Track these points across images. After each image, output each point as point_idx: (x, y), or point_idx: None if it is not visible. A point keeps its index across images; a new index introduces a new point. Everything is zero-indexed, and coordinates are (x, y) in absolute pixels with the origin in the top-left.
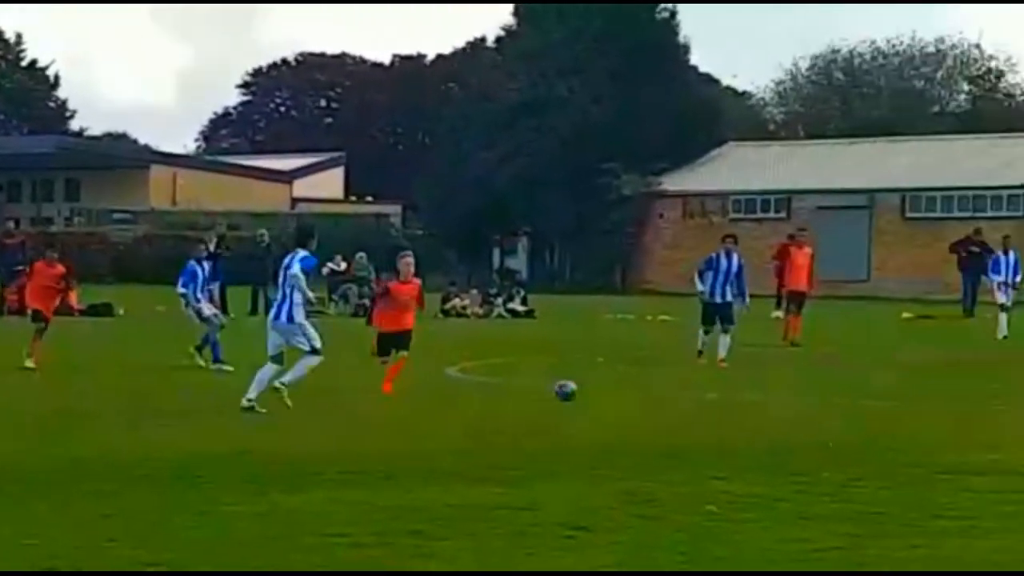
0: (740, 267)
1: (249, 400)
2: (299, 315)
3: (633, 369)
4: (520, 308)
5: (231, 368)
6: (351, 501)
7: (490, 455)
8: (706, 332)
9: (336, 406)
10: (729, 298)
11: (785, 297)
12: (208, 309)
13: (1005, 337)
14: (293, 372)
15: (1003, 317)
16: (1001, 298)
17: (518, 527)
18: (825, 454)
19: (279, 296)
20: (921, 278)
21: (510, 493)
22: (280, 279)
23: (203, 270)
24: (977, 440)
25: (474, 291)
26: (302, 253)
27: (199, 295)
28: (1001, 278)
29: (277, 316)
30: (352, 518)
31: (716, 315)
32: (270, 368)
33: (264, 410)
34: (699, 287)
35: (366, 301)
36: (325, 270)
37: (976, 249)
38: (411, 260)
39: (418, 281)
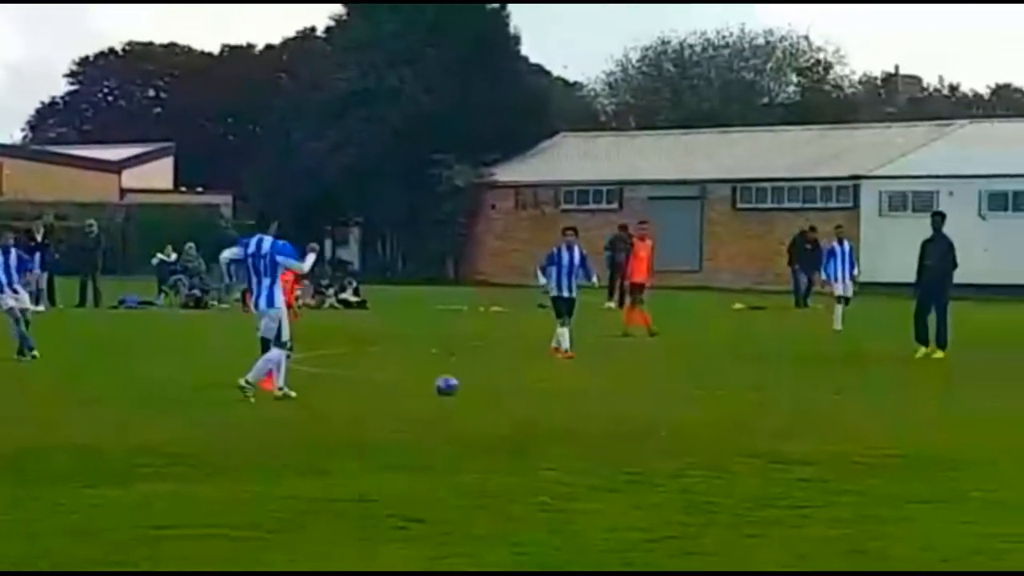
0: (583, 257)
1: (280, 389)
2: (279, 300)
3: (466, 360)
4: (352, 299)
5: (37, 354)
6: (181, 494)
7: (322, 447)
8: (563, 325)
9: (168, 399)
10: (574, 293)
11: (627, 289)
12: (10, 301)
13: (838, 330)
14: (254, 370)
15: (839, 309)
16: (839, 290)
17: (351, 519)
18: (658, 444)
19: (257, 282)
20: (752, 269)
21: (343, 485)
22: (255, 264)
23: (6, 259)
24: (809, 431)
25: (305, 282)
26: (269, 239)
27: (9, 286)
28: (825, 277)
29: (257, 302)
30: (183, 511)
31: (563, 308)
32: (277, 351)
33: (295, 393)
34: (542, 281)
35: (196, 292)
36: (154, 261)
37: (809, 247)
38: None
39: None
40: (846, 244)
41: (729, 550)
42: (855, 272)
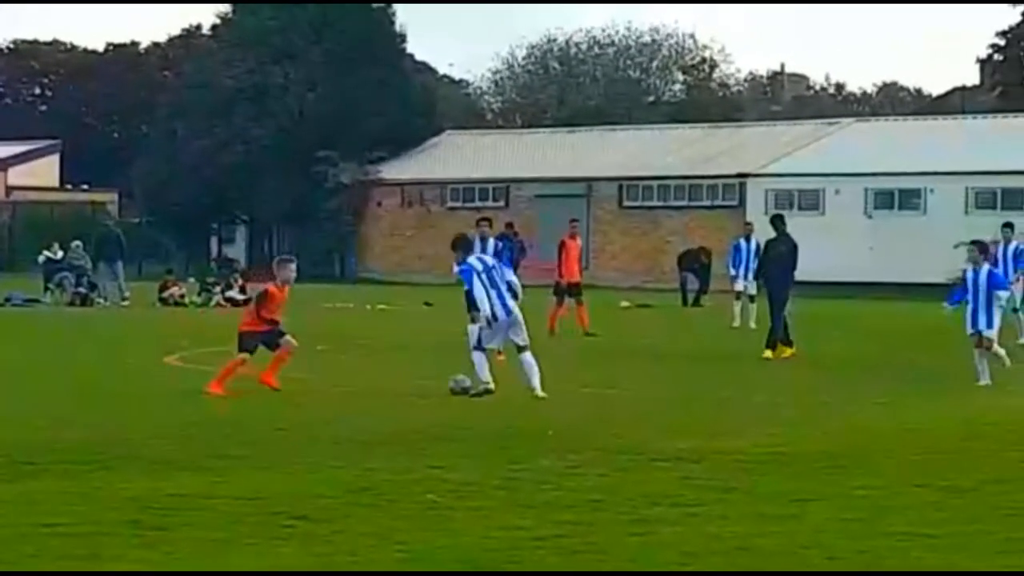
0: (497, 252)
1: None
2: (515, 307)
3: (353, 358)
4: (239, 297)
5: None
6: (67, 491)
7: (209, 444)
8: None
9: (52, 395)
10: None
11: (562, 290)
12: None
13: (736, 327)
14: (533, 377)
15: (737, 307)
16: (738, 286)
17: (237, 517)
18: (544, 441)
19: (498, 293)
20: (638, 267)
21: (229, 482)
22: (491, 278)
23: None
24: (697, 427)
25: (191, 279)
26: (489, 256)
27: None
28: (734, 272)
29: (495, 312)
30: (68, 508)
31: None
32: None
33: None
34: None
35: (82, 289)
36: (41, 258)
37: (699, 266)
38: (295, 267)
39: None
40: (753, 242)
41: (617, 549)
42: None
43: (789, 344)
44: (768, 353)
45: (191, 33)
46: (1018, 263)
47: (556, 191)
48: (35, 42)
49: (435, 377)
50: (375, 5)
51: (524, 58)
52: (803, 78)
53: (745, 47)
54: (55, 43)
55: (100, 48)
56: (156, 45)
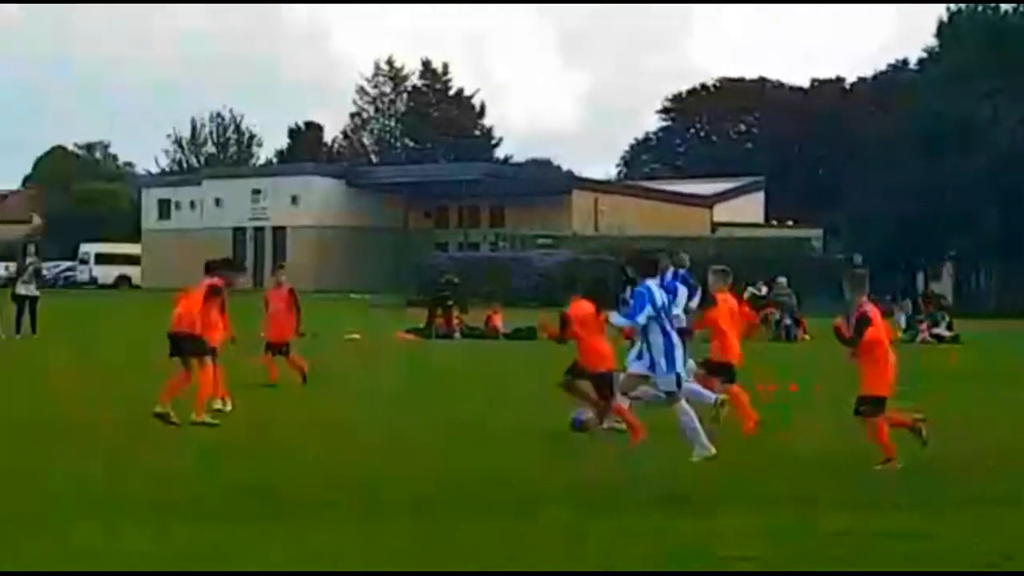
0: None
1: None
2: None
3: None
4: (945, 333)
5: None
6: (749, 527)
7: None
8: None
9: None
10: None
11: None
12: None
13: None
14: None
15: None
16: None
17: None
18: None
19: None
20: None
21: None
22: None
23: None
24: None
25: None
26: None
27: None
28: None
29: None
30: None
31: None
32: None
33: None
34: None
35: (788, 321)
36: (746, 294)
37: None
38: None
39: None
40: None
41: None
42: None
43: None
44: None
45: (897, 68)
46: None
47: None
48: (741, 80)
49: None
50: None
51: None
52: None
53: None
54: (761, 80)
55: (805, 85)
56: (862, 80)
